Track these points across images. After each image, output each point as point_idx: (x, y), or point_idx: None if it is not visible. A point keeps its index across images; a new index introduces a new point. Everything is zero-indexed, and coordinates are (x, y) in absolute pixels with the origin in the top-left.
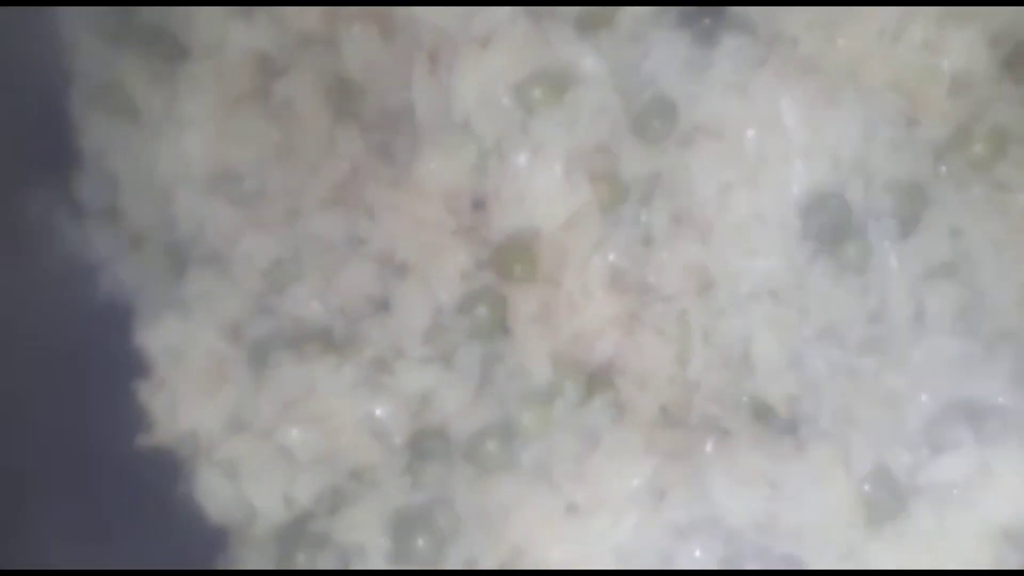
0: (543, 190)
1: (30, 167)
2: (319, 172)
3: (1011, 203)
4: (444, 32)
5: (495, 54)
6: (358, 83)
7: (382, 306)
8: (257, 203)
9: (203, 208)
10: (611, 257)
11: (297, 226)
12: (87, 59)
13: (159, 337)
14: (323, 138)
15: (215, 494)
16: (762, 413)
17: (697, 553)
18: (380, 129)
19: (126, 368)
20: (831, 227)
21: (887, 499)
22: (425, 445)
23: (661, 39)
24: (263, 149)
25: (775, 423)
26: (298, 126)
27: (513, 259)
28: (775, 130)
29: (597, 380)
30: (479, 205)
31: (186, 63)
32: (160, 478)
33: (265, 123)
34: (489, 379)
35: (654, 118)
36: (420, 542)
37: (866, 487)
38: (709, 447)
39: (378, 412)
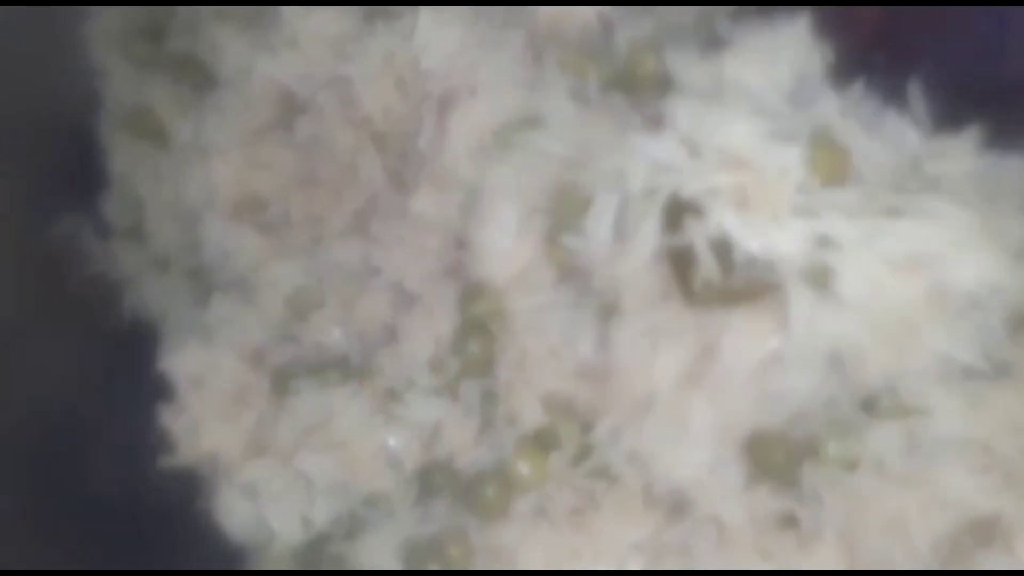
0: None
1: (57, 186)
2: (341, 200)
3: None
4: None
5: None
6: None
7: (395, 335)
8: (281, 230)
9: (228, 235)
10: None
11: (319, 254)
12: (117, 84)
13: (182, 363)
14: (346, 165)
15: (235, 514)
16: None
17: None
18: (398, 158)
19: (150, 387)
20: None
21: None
22: (432, 478)
23: None
24: (287, 177)
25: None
26: (322, 154)
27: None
28: None
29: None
30: (461, 244)
31: (214, 92)
32: (180, 496)
33: (290, 152)
34: (490, 420)
35: None
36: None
37: None
38: None
39: (391, 442)
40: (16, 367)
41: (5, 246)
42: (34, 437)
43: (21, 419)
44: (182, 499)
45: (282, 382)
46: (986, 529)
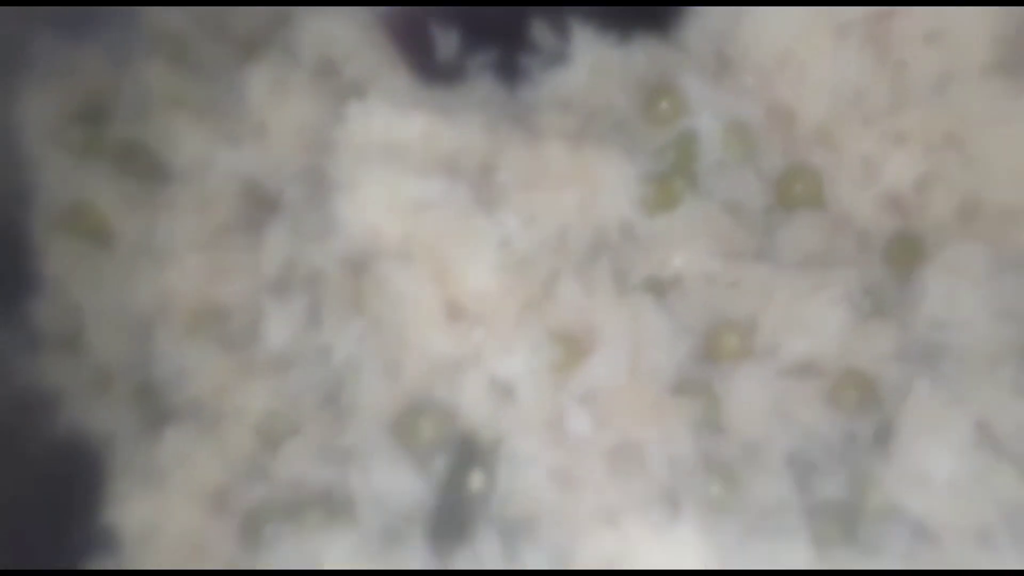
0: None
1: None
2: None
3: None
4: None
5: None
6: None
7: None
8: (248, 345)
9: (184, 352)
10: None
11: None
12: (52, 175)
13: (129, 514)
14: None
15: None
16: None
17: None
18: None
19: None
20: None
21: None
22: None
23: None
24: (254, 283)
25: None
26: None
27: None
28: None
29: None
30: None
31: (166, 187)
32: None
33: (256, 255)
34: None
35: None
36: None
37: None
38: None
39: None
40: None
41: None
42: None
43: None
44: None
45: (254, 529)
46: None
